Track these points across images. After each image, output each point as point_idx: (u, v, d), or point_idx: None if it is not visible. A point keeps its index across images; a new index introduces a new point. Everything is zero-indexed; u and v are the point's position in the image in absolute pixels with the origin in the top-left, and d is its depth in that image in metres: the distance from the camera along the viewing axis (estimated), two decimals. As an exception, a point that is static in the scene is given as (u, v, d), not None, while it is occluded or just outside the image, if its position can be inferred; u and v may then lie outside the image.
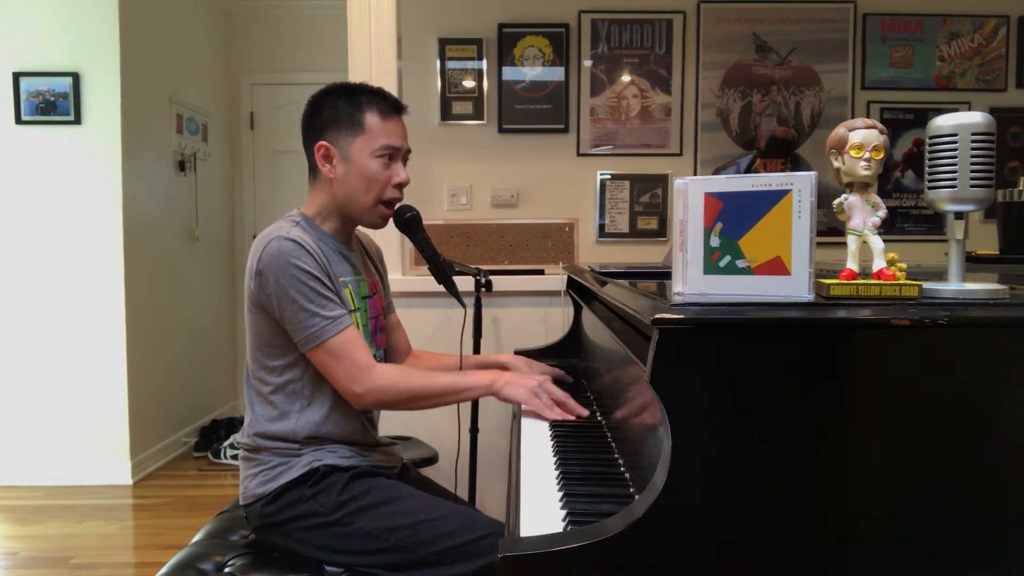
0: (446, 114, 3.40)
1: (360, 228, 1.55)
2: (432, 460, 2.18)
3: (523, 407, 1.51)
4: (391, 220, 1.55)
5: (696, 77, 3.44)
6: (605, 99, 3.43)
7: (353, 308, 1.42)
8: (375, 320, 1.51)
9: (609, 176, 3.43)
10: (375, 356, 1.44)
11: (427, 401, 1.39)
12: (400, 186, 1.44)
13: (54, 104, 3.33)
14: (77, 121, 3.34)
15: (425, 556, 1.26)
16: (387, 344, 1.62)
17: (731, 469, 0.73)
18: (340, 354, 1.31)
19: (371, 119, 1.40)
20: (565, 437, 1.28)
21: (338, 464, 1.37)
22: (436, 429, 2.24)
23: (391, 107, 1.43)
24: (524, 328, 2.34)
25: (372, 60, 2.24)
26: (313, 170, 1.44)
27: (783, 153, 3.48)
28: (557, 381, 1.64)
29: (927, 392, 0.74)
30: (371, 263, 1.59)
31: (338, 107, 1.40)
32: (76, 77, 3.33)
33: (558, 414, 1.37)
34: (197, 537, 1.47)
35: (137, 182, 3.50)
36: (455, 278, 1.64)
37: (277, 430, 1.37)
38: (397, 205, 1.50)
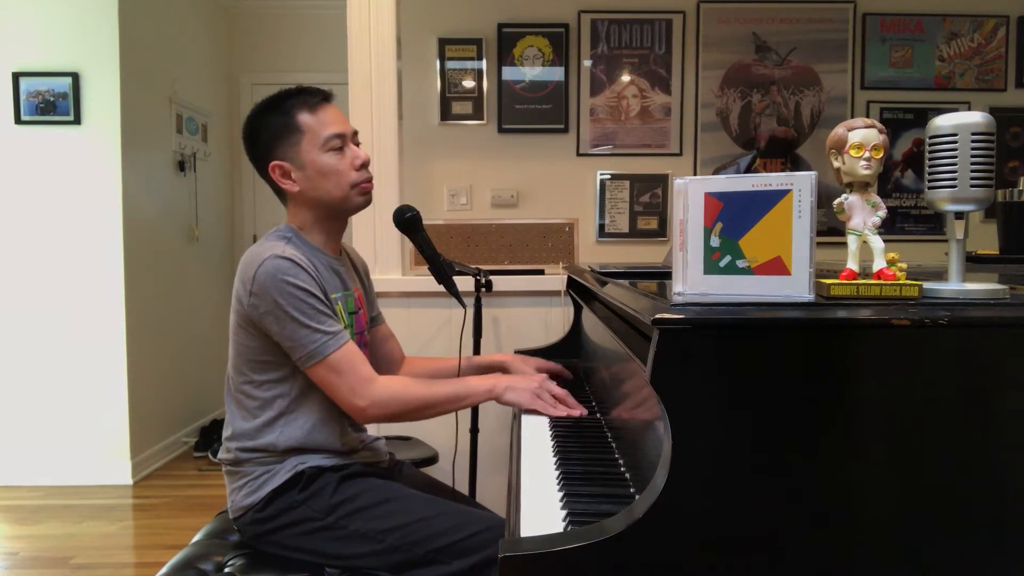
0: (446, 114, 3.40)
1: (346, 243, 1.54)
2: (432, 460, 2.18)
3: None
4: (392, 220, 1.55)
5: (696, 77, 3.44)
6: (605, 99, 3.43)
7: (344, 325, 1.40)
8: (360, 336, 1.50)
9: (609, 176, 3.43)
10: None
11: (430, 411, 1.38)
12: (364, 166, 1.42)
13: (54, 104, 3.33)
14: (77, 121, 3.34)
15: (423, 555, 1.26)
16: (371, 359, 1.60)
17: (732, 469, 0.73)
18: (342, 369, 1.30)
19: (304, 118, 1.38)
20: (565, 437, 1.28)
21: (323, 464, 1.36)
22: (436, 429, 2.24)
23: (317, 97, 1.41)
24: (524, 328, 2.34)
25: (372, 60, 2.24)
26: (279, 193, 1.43)
27: (783, 153, 3.48)
28: (556, 377, 1.64)
29: (927, 392, 0.74)
30: (358, 277, 1.58)
31: (271, 124, 1.39)
32: (76, 77, 3.33)
33: (563, 411, 1.38)
34: (197, 537, 1.47)
35: (137, 182, 3.50)
36: (455, 278, 1.64)
37: (257, 443, 1.36)
38: (397, 205, 1.49)
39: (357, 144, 1.44)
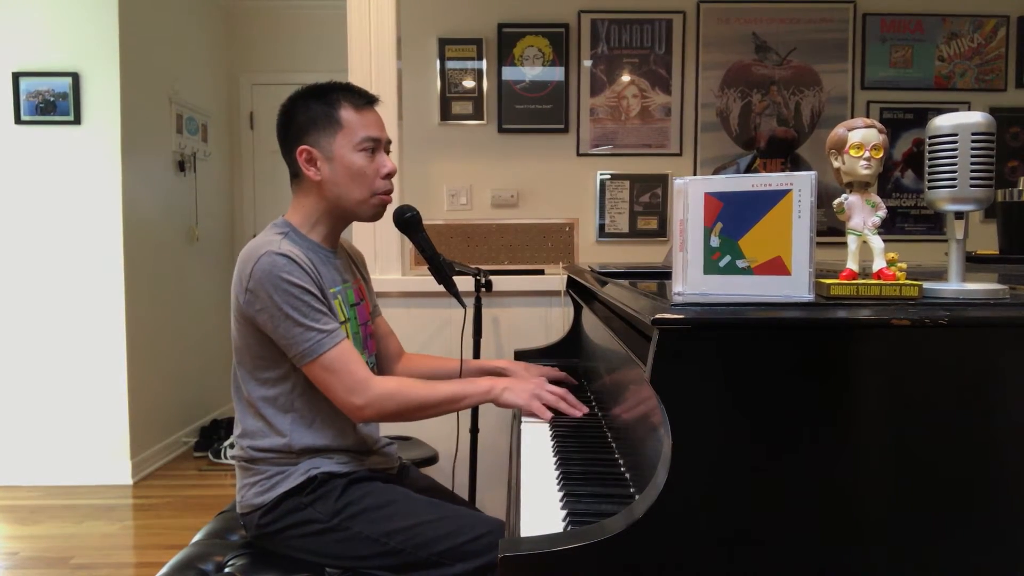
0: (446, 114, 3.40)
1: (342, 236, 1.54)
2: (432, 460, 2.18)
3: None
4: (392, 220, 1.54)
5: (696, 77, 3.44)
6: (605, 99, 3.43)
7: (344, 319, 1.40)
8: (364, 327, 1.50)
9: (609, 176, 3.43)
10: (367, 362, 1.42)
11: (427, 411, 1.38)
12: (389, 176, 1.42)
13: (54, 104, 3.33)
14: (77, 121, 3.34)
15: (426, 558, 1.26)
16: (377, 350, 1.61)
17: (731, 469, 0.73)
18: (337, 368, 1.30)
19: (346, 114, 1.38)
20: (565, 437, 1.28)
21: (336, 471, 1.36)
22: (436, 429, 2.24)
23: (363, 99, 1.41)
24: (524, 328, 2.34)
25: (372, 60, 2.24)
26: (296, 176, 1.42)
27: (783, 153, 3.48)
28: (557, 381, 1.63)
29: (927, 392, 0.74)
30: (355, 269, 1.57)
31: (312, 109, 1.38)
32: (76, 77, 3.32)
33: (562, 408, 1.38)
34: (197, 537, 1.47)
35: (137, 182, 3.50)
36: (455, 278, 1.64)
37: (272, 444, 1.36)
38: (397, 205, 1.49)
39: (387, 153, 1.44)
